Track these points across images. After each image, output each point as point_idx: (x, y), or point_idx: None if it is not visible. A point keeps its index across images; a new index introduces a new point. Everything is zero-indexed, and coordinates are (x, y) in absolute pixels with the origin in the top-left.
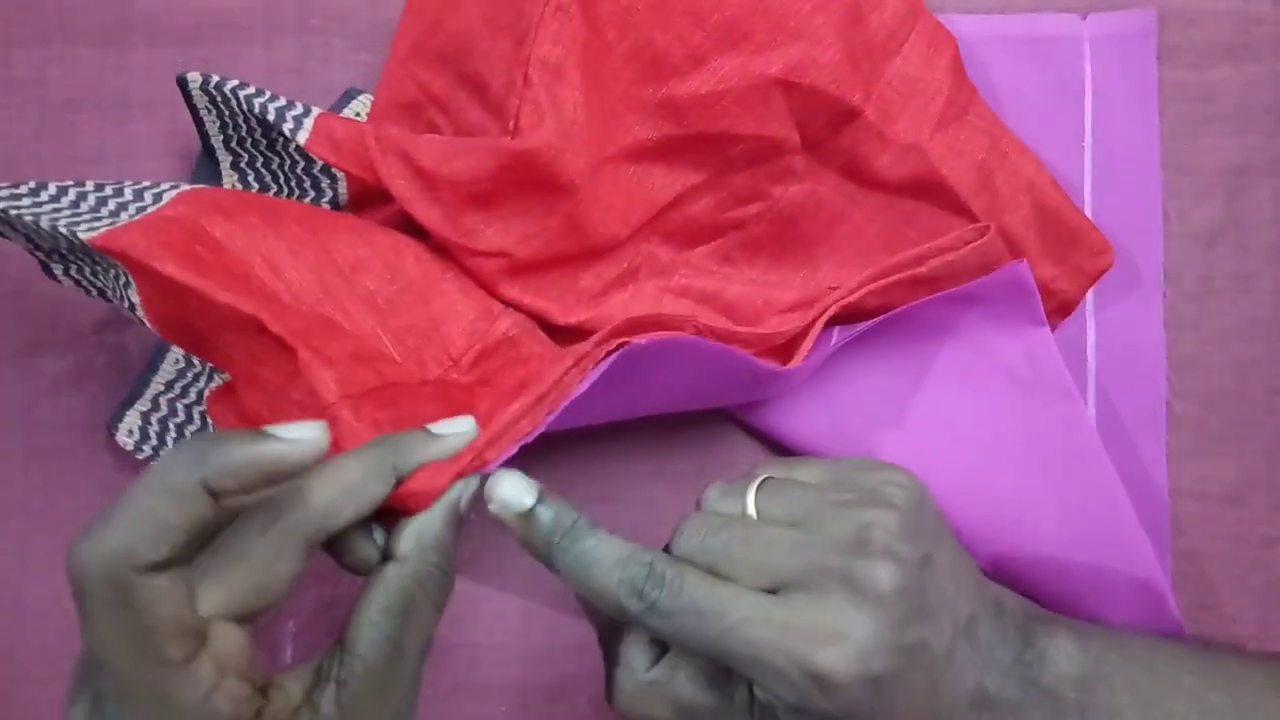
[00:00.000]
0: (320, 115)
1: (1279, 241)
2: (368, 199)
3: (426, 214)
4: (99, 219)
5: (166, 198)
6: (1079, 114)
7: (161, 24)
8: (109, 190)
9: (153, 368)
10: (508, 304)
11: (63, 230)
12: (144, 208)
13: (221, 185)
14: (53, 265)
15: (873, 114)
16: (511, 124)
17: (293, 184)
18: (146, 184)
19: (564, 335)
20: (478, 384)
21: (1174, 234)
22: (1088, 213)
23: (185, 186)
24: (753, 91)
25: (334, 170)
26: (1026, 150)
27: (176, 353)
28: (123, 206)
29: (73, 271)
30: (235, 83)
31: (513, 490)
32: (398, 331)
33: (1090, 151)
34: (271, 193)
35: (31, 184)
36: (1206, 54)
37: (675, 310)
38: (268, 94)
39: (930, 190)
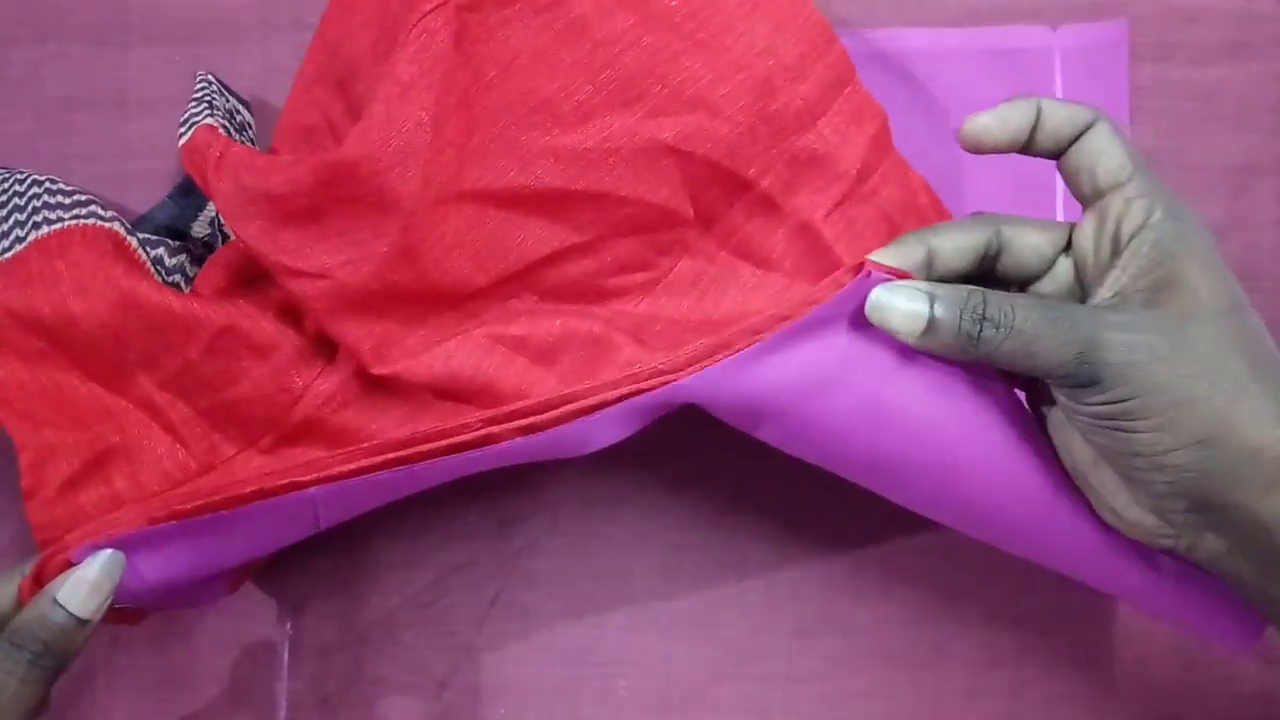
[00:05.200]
0: (203, 125)
1: None
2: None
3: (245, 228)
4: None
5: (31, 238)
6: None
7: (158, 22)
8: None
9: None
10: (337, 338)
11: None
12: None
13: (201, 211)
14: None
15: (771, 186)
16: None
17: None
18: (34, 206)
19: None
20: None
21: None
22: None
23: (68, 223)
24: (642, 156)
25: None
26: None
27: None
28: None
29: None
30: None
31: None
32: (192, 416)
33: None
34: None
35: None
36: (1209, 52)
37: (499, 368)
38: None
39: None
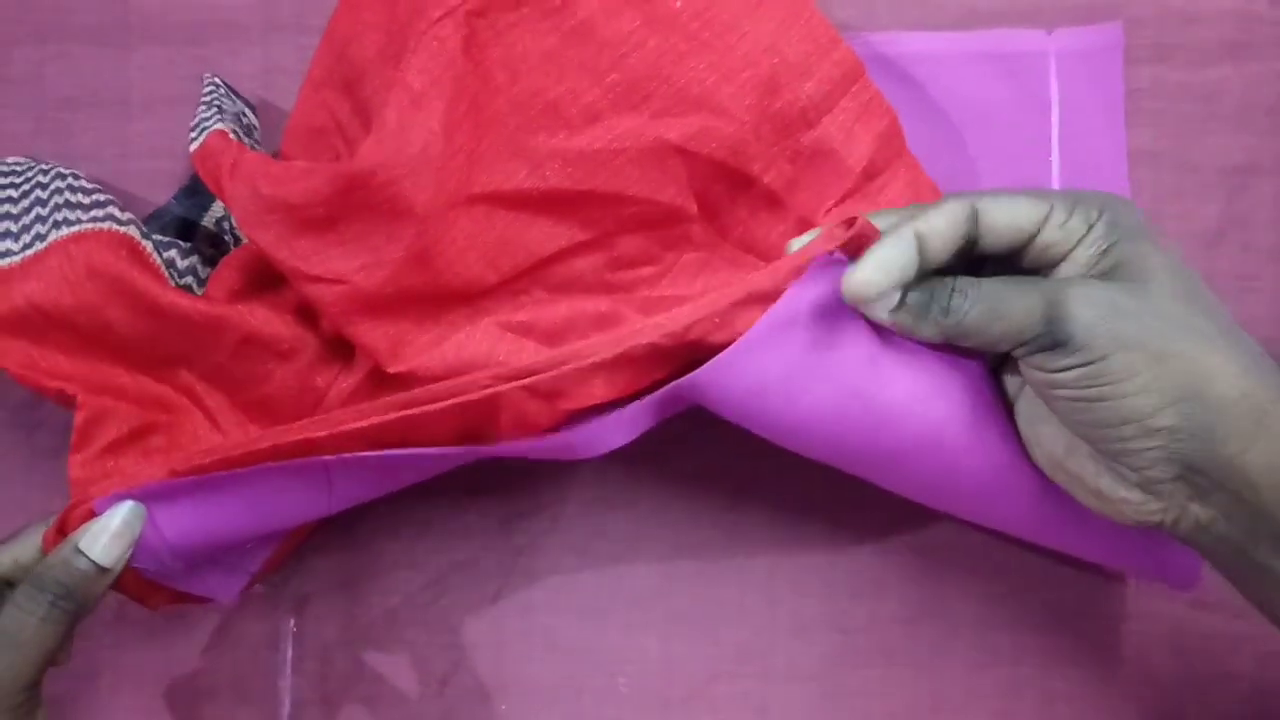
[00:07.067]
0: (214, 130)
1: None
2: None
3: (261, 235)
4: None
5: (53, 237)
6: (1045, 129)
7: (159, 23)
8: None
9: None
10: (354, 340)
11: None
12: (29, 244)
13: (205, 211)
14: None
15: (774, 182)
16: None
17: None
18: (49, 206)
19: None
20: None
21: (1176, 234)
22: None
23: (86, 225)
24: (649, 155)
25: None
26: None
27: None
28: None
29: None
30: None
31: (867, 287)
32: (229, 407)
33: (1057, 166)
34: None
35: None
36: (1208, 53)
37: (510, 354)
38: (221, 109)
39: None
